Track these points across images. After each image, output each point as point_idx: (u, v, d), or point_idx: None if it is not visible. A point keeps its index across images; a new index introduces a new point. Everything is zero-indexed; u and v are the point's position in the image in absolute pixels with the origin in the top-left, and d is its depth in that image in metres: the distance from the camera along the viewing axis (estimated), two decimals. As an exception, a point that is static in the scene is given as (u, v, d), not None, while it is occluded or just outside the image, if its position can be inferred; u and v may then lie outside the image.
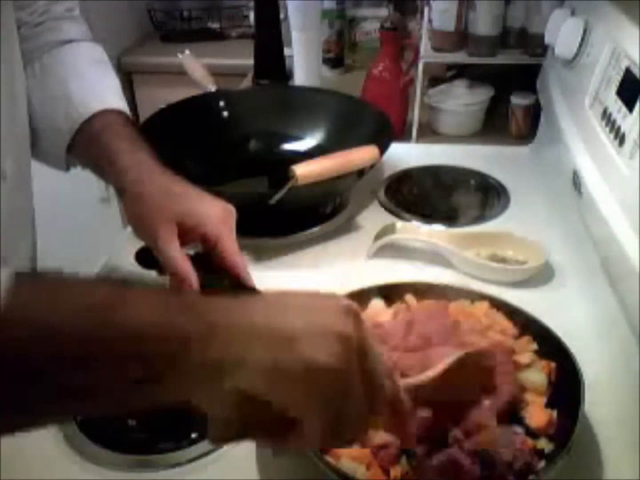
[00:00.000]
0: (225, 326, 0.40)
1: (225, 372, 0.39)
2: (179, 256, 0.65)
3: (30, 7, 0.78)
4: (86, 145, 0.76)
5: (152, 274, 0.70)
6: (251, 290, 0.68)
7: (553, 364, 0.62)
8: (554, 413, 0.59)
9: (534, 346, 0.65)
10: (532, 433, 0.59)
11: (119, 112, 0.79)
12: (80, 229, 1.71)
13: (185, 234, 0.67)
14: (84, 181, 1.75)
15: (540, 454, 0.57)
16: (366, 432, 0.45)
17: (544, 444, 0.57)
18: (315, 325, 0.41)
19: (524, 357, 0.63)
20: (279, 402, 0.39)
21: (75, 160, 0.81)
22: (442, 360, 0.56)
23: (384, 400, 0.43)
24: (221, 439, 0.42)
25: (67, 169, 0.82)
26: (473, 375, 0.57)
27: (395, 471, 0.55)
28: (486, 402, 0.58)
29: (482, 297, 0.71)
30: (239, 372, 0.39)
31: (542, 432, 0.58)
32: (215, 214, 0.68)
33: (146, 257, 0.71)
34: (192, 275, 0.65)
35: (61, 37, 0.81)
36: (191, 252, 0.69)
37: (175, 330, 0.38)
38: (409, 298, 0.71)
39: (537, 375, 0.62)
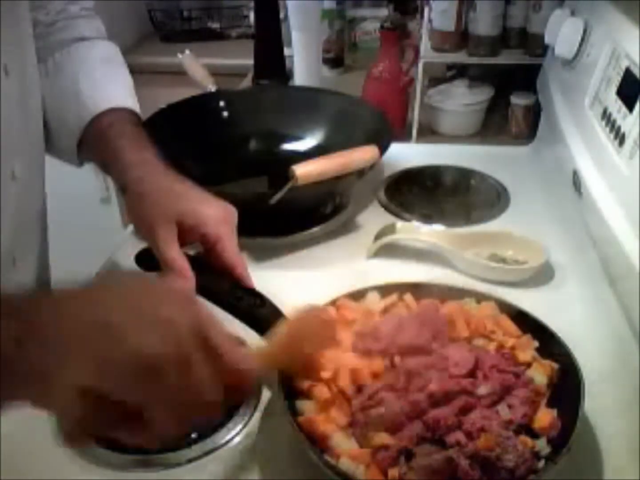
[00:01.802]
0: (44, 324, 0.39)
1: (52, 371, 0.39)
2: (178, 256, 0.65)
3: (46, 7, 0.79)
4: (93, 143, 0.77)
5: (153, 276, 0.70)
6: (251, 291, 0.68)
7: (556, 365, 0.62)
8: (554, 412, 0.59)
9: (535, 344, 0.65)
10: (531, 432, 0.59)
11: (128, 111, 0.79)
12: (80, 229, 1.71)
13: (185, 234, 0.67)
14: (84, 181, 1.77)
15: (537, 454, 0.57)
16: (218, 404, 0.44)
17: (542, 445, 0.57)
18: (138, 315, 0.41)
19: (525, 355, 0.63)
20: (116, 394, 0.39)
21: (86, 158, 0.81)
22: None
23: (234, 371, 0.44)
24: (72, 439, 0.42)
25: (81, 164, 0.82)
26: (314, 331, 0.60)
27: (394, 472, 0.55)
28: (502, 412, 0.58)
29: (483, 297, 0.71)
30: (67, 369, 0.38)
31: (544, 434, 0.58)
32: (216, 215, 0.68)
33: (146, 260, 0.71)
34: (190, 275, 0.65)
35: (75, 35, 0.81)
36: (191, 252, 0.69)
37: None
38: (409, 298, 0.71)
39: (537, 376, 0.62)
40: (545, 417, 0.58)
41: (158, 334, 0.40)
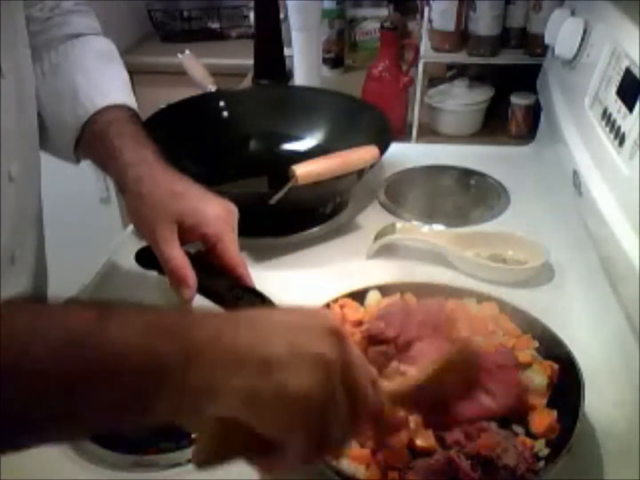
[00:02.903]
0: (206, 352, 0.39)
1: (204, 399, 0.39)
2: (178, 256, 0.65)
3: (39, 3, 0.78)
4: (91, 141, 0.77)
5: (153, 274, 0.70)
6: (251, 290, 0.68)
7: (556, 365, 0.62)
8: (554, 413, 0.59)
9: (535, 344, 0.65)
10: (531, 434, 0.59)
11: (125, 108, 0.79)
12: (80, 229, 1.71)
13: (186, 233, 0.67)
14: (84, 181, 1.77)
15: (537, 455, 0.57)
16: (347, 443, 0.45)
17: (540, 447, 0.57)
18: (294, 349, 0.40)
19: (525, 355, 0.63)
20: (258, 427, 0.39)
21: (83, 156, 0.81)
22: (429, 360, 0.55)
23: (367, 413, 0.43)
24: (205, 463, 0.42)
25: (78, 162, 0.82)
26: (461, 373, 0.56)
27: (394, 472, 0.55)
28: (489, 403, 0.58)
29: (483, 297, 0.71)
30: (217, 400, 0.38)
31: (543, 436, 0.58)
32: (216, 214, 0.68)
33: (146, 258, 0.71)
34: (190, 275, 0.65)
35: (69, 31, 0.81)
36: (192, 250, 0.69)
37: (155, 358, 0.38)
38: (409, 298, 0.71)
39: (537, 377, 0.62)
40: (544, 419, 0.58)
41: (313, 372, 0.40)
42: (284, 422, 0.39)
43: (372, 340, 0.64)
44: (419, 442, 0.56)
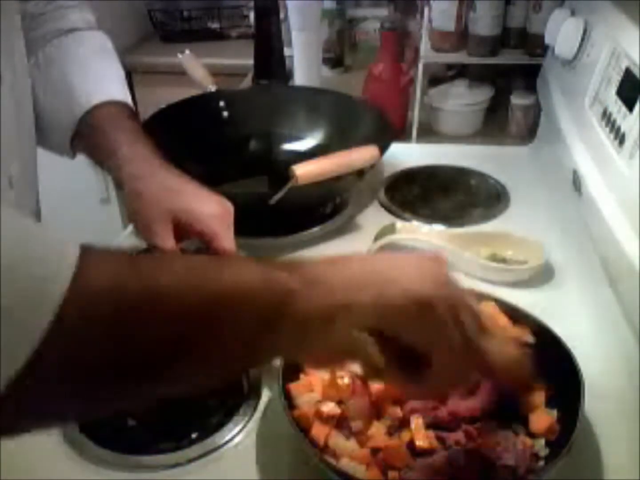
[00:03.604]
0: (326, 277, 0.41)
1: (334, 316, 0.40)
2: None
3: None
4: (87, 137, 0.77)
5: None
6: None
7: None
8: (554, 413, 0.59)
9: (530, 338, 0.65)
10: (531, 434, 0.59)
11: (121, 104, 0.79)
12: (80, 229, 1.71)
13: (182, 230, 0.67)
14: (84, 181, 1.77)
15: (536, 455, 0.57)
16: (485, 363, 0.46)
17: (540, 447, 0.57)
18: (410, 270, 0.43)
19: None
20: (400, 334, 0.42)
21: (80, 151, 0.81)
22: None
23: (481, 352, 0.45)
24: (374, 373, 0.45)
25: (74, 156, 0.82)
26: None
27: (394, 472, 0.55)
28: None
29: (483, 297, 0.70)
30: (349, 314, 0.40)
31: (543, 436, 0.58)
32: (212, 211, 0.68)
33: None
34: None
35: (65, 25, 0.81)
36: (192, 248, 0.69)
37: (280, 283, 0.39)
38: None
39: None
40: (543, 420, 0.58)
41: (435, 280, 0.43)
42: (416, 324, 0.42)
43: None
44: (419, 442, 0.56)
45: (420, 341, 0.43)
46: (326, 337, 0.41)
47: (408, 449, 0.56)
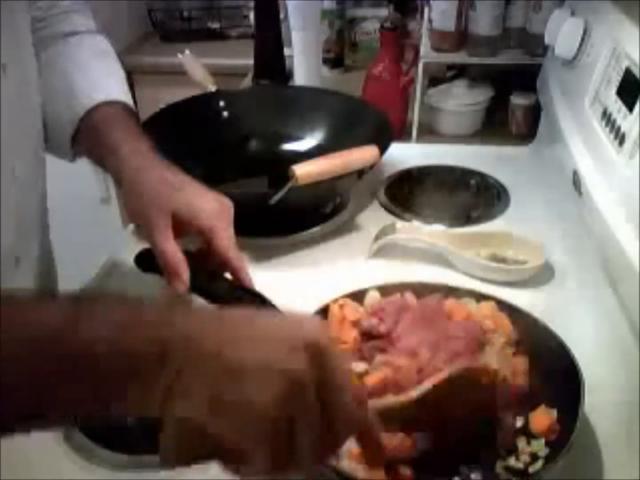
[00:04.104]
0: (178, 351, 0.38)
1: (173, 399, 0.38)
2: (172, 249, 0.65)
3: (37, 3, 0.78)
4: (88, 136, 0.77)
5: (152, 277, 0.70)
6: (250, 292, 0.68)
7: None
8: (554, 413, 0.59)
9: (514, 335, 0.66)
10: (531, 434, 0.59)
11: (122, 104, 0.79)
12: (80, 229, 1.71)
13: (181, 227, 0.67)
14: (84, 181, 1.77)
15: (535, 455, 0.57)
16: (325, 459, 0.44)
17: (540, 447, 0.57)
18: (264, 361, 0.39)
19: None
20: (223, 434, 0.38)
21: (80, 152, 0.81)
22: (434, 374, 0.54)
23: (347, 432, 0.42)
24: (170, 463, 0.41)
25: (73, 159, 0.82)
26: (466, 392, 0.55)
27: (405, 469, 0.55)
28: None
29: (483, 296, 0.71)
30: (185, 401, 0.38)
31: (543, 436, 0.58)
32: (211, 208, 0.68)
33: (146, 261, 0.71)
34: (183, 268, 0.65)
35: (66, 29, 0.81)
36: (192, 248, 0.69)
37: (126, 356, 0.38)
38: (409, 296, 0.71)
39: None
40: (543, 420, 0.58)
41: (283, 391, 0.38)
42: (248, 434, 0.38)
43: (366, 336, 0.64)
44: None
45: (241, 446, 0.39)
46: (162, 415, 0.39)
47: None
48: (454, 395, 0.54)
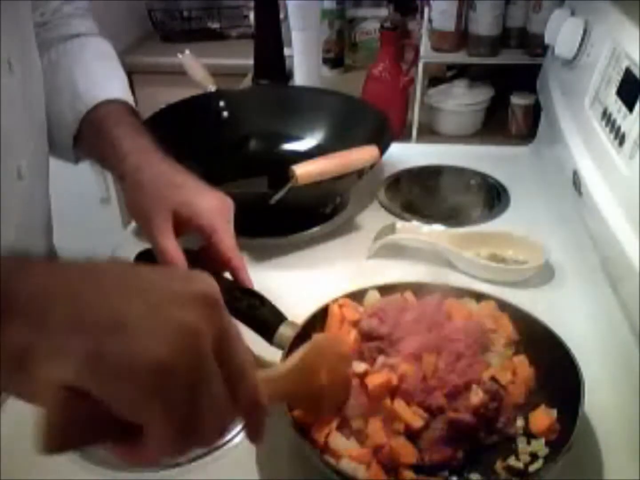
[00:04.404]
0: (36, 298, 0.33)
1: (35, 358, 0.32)
2: (172, 246, 0.65)
3: (42, 8, 0.79)
4: (90, 134, 0.77)
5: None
6: (250, 292, 0.68)
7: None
8: (554, 413, 0.59)
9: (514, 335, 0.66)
10: (531, 434, 0.59)
11: (123, 103, 0.79)
12: (80, 229, 1.71)
13: (181, 225, 0.67)
14: (84, 181, 1.77)
15: (535, 455, 0.57)
16: (224, 432, 0.38)
17: (540, 447, 0.57)
18: (153, 311, 0.34)
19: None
20: (106, 399, 0.32)
21: (82, 153, 0.81)
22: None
23: (249, 398, 0.38)
24: (51, 448, 0.33)
25: (76, 162, 0.82)
26: (328, 361, 0.55)
27: (407, 472, 0.55)
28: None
29: (483, 296, 0.71)
30: (55, 360, 0.32)
31: (543, 436, 0.58)
32: (212, 206, 0.68)
33: (145, 261, 0.71)
34: (183, 266, 0.64)
35: (69, 32, 0.82)
36: (190, 246, 0.69)
37: None
38: (409, 297, 0.71)
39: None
40: (543, 419, 0.58)
41: (175, 340, 0.33)
42: (136, 395, 0.32)
43: (366, 337, 0.64)
44: (414, 422, 0.56)
45: (128, 412, 0.33)
46: (22, 381, 0.32)
47: (409, 440, 0.56)
48: (319, 365, 0.54)
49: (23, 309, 0.32)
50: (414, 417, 0.57)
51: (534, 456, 0.57)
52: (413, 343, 0.62)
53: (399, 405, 0.57)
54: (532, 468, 0.56)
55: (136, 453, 0.35)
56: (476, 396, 0.57)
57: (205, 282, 0.37)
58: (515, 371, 0.62)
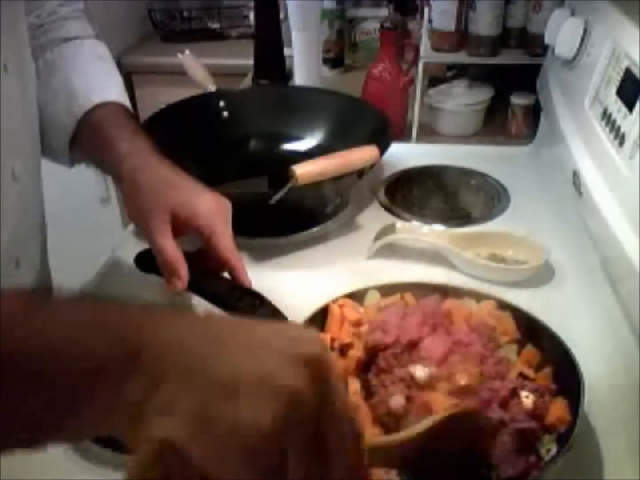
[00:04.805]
0: (154, 360, 0.33)
1: (150, 414, 0.32)
2: (170, 247, 0.65)
3: (38, 10, 0.79)
4: (87, 136, 0.77)
5: (152, 277, 0.70)
6: (250, 292, 0.68)
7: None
8: (566, 403, 0.58)
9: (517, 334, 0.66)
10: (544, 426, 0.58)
11: (120, 105, 0.79)
12: (80, 229, 1.71)
13: (179, 225, 0.67)
14: (84, 181, 1.77)
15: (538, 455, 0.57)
16: None
17: (551, 444, 0.57)
18: (260, 373, 0.33)
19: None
20: (201, 457, 0.32)
21: (78, 156, 0.81)
22: (429, 414, 0.51)
23: (341, 468, 0.36)
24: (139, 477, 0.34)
25: (71, 164, 0.82)
26: (460, 436, 0.52)
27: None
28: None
29: (483, 296, 0.71)
30: (164, 418, 0.32)
31: (554, 427, 0.57)
32: (210, 207, 0.68)
33: (146, 261, 0.71)
34: (182, 266, 0.65)
35: (65, 34, 0.82)
36: (189, 247, 0.69)
37: (89, 357, 0.32)
38: (409, 297, 0.71)
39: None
40: (555, 409, 0.57)
41: (282, 409, 0.32)
42: (227, 455, 0.32)
43: (374, 350, 0.63)
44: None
45: (221, 474, 0.32)
46: (130, 432, 0.33)
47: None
48: (449, 436, 0.50)
49: (146, 361, 0.33)
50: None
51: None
52: (436, 349, 0.60)
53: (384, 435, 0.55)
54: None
55: None
56: (527, 399, 0.57)
57: (317, 343, 0.37)
58: (531, 366, 0.63)
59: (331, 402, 0.35)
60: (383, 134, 0.97)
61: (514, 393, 0.58)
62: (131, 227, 0.93)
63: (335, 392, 0.36)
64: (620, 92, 0.74)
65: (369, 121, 1.02)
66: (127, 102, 0.81)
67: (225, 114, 1.11)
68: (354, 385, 0.61)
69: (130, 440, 0.34)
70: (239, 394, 0.32)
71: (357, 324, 0.68)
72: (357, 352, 0.64)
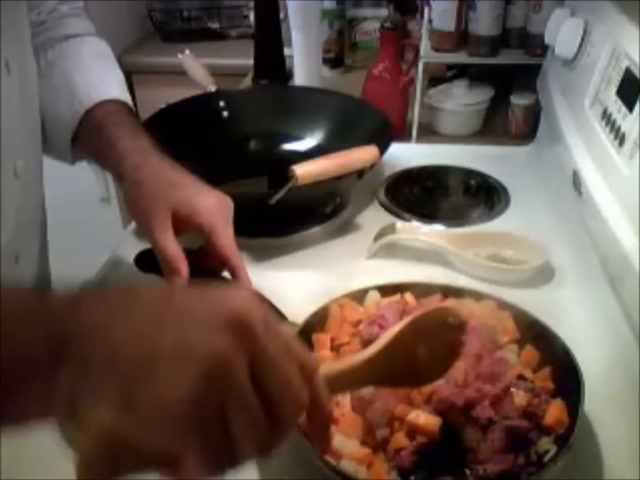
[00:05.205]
0: (77, 346, 0.33)
1: (78, 403, 0.33)
2: (171, 245, 0.65)
3: (38, 8, 0.79)
4: (88, 134, 0.77)
5: (152, 277, 0.70)
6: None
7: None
8: (563, 404, 0.58)
9: (517, 334, 0.66)
10: (542, 428, 0.58)
11: (121, 103, 0.79)
12: (80, 229, 1.71)
13: (180, 223, 0.67)
14: (84, 181, 1.77)
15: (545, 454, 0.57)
16: (272, 447, 0.37)
17: (549, 445, 0.57)
18: (180, 344, 0.33)
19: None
20: (136, 439, 0.32)
21: (80, 154, 0.81)
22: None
23: (291, 414, 0.37)
24: (89, 476, 0.33)
25: (73, 162, 0.82)
26: (429, 336, 0.51)
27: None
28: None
29: (483, 296, 0.71)
30: (93, 407, 0.32)
31: (553, 429, 0.57)
32: (211, 205, 0.68)
33: (146, 261, 0.71)
34: (182, 264, 0.65)
35: (65, 32, 0.82)
36: (190, 245, 0.69)
37: (17, 345, 0.33)
38: (409, 297, 0.71)
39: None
40: (553, 411, 0.57)
41: (203, 374, 0.33)
42: (169, 436, 0.33)
43: (370, 344, 0.63)
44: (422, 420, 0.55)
45: (164, 450, 0.33)
46: (72, 418, 0.33)
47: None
48: (418, 339, 0.50)
49: (73, 352, 0.33)
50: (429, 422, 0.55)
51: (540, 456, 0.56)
52: None
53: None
54: (533, 468, 0.55)
55: (173, 474, 0.34)
56: (518, 397, 0.57)
57: (239, 300, 0.36)
58: (530, 366, 0.63)
59: (261, 353, 0.35)
60: (383, 134, 0.97)
61: (507, 392, 0.58)
62: (131, 226, 0.93)
63: (268, 343, 0.36)
64: (620, 92, 0.74)
65: (369, 121, 1.02)
66: (128, 99, 0.81)
67: (225, 114, 1.11)
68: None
69: (70, 438, 0.35)
70: (156, 369, 0.33)
71: (357, 324, 0.68)
72: (352, 348, 0.64)
